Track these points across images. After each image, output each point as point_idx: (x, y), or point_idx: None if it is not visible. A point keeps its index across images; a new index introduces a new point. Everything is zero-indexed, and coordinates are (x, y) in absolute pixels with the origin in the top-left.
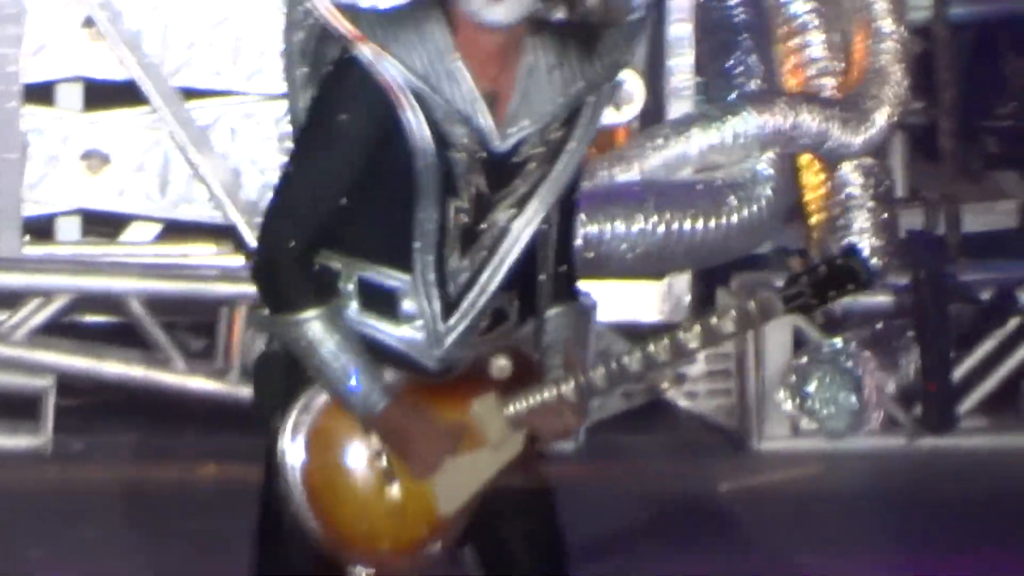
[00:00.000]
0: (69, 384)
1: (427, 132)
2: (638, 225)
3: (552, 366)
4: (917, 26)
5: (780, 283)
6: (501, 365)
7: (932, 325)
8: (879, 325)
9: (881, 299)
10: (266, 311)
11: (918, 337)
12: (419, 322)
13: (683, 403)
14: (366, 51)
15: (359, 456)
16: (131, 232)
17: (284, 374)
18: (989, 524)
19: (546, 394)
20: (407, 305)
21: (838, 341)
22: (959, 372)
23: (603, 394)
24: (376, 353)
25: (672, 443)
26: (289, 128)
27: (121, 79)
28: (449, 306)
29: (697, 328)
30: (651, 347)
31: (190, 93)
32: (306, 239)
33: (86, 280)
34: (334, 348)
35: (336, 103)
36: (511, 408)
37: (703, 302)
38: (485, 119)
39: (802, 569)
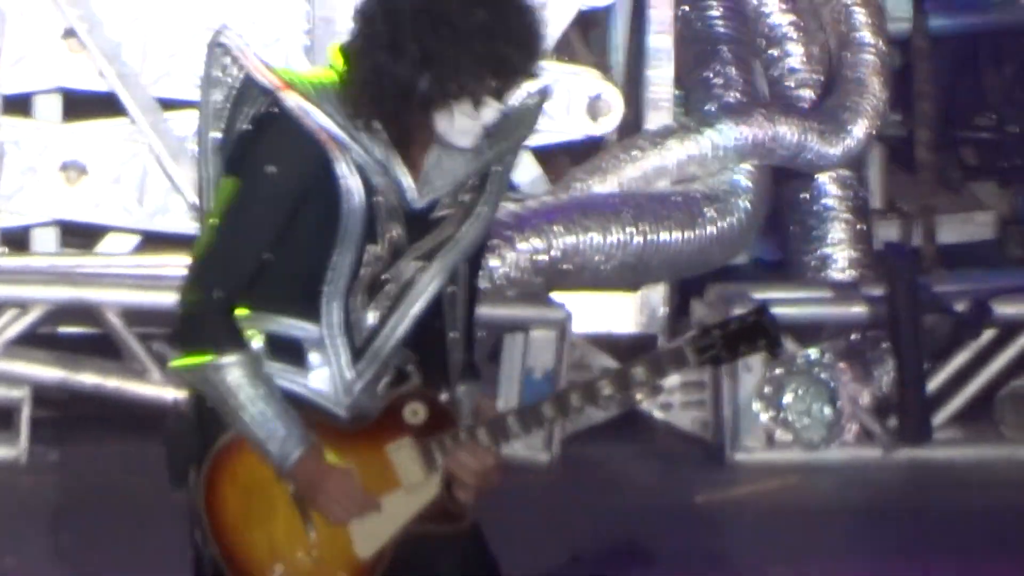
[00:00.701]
0: (45, 395)
1: (356, 175)
2: (614, 236)
3: (465, 414)
4: (896, 38)
5: (692, 334)
6: (415, 410)
7: (907, 337)
8: (854, 336)
9: (856, 310)
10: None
11: (893, 348)
12: (327, 371)
13: (658, 414)
14: (292, 99)
15: (275, 502)
16: (108, 243)
17: (197, 428)
18: (964, 535)
19: (460, 438)
20: (314, 355)
21: (813, 352)
22: (934, 383)
23: (517, 438)
24: (288, 402)
25: (647, 454)
26: None
27: (100, 90)
28: (356, 354)
29: (611, 376)
30: (565, 393)
31: (169, 104)
32: (232, 290)
33: (62, 291)
34: (252, 394)
35: (265, 156)
36: (426, 452)
37: (679, 313)
38: (403, 176)
39: None
